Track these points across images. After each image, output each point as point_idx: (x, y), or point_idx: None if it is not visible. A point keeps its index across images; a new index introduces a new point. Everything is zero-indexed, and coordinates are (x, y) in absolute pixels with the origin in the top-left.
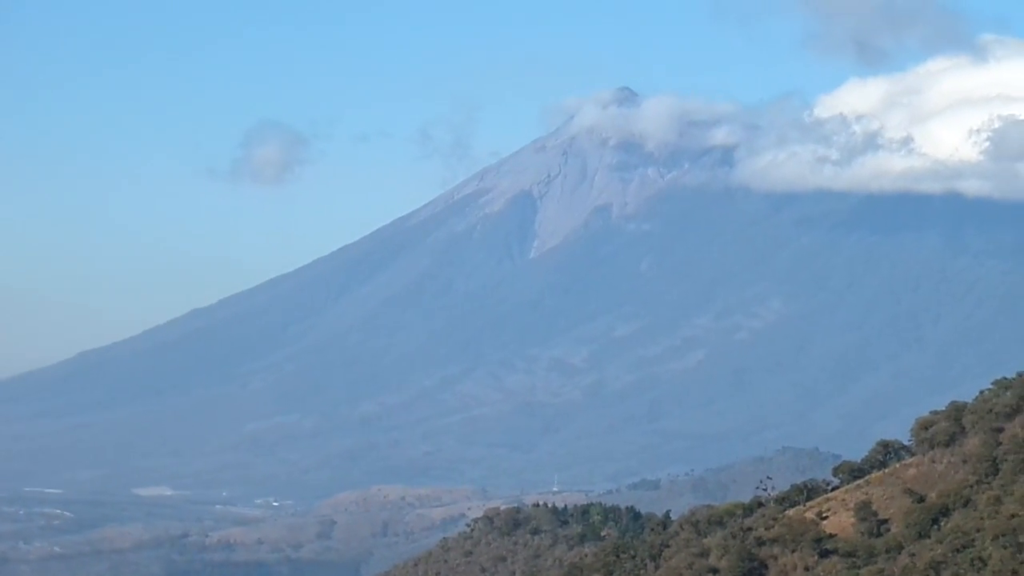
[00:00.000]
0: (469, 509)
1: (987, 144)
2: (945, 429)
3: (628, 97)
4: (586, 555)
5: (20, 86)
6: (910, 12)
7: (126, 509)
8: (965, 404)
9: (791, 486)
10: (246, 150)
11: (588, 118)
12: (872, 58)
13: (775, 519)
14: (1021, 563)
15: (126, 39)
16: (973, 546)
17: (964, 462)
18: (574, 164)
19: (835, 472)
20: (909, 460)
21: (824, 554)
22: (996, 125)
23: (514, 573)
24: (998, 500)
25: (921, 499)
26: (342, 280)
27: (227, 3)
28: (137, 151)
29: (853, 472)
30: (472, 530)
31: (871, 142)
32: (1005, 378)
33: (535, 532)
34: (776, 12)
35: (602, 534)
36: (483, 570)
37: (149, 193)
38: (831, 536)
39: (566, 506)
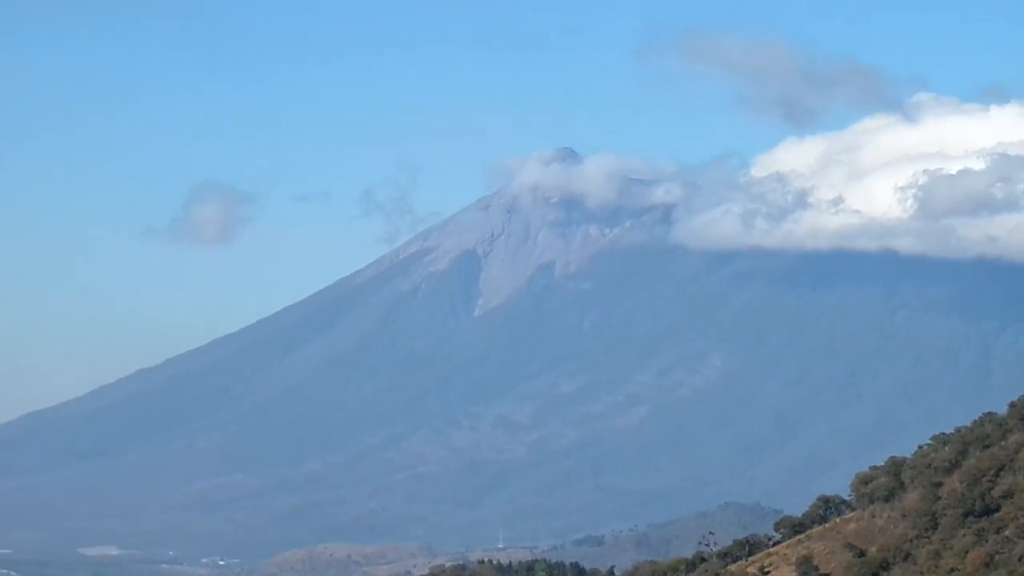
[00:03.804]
0: (415, 566)
1: (913, 202)
2: (884, 484)
3: (569, 156)
4: None
5: None
6: (832, 73)
7: (73, 569)
8: (904, 459)
9: (733, 541)
10: (186, 209)
11: (530, 177)
12: (801, 118)
13: (718, 574)
14: None
15: (62, 97)
16: None
17: (903, 516)
18: (517, 223)
19: (776, 527)
20: (849, 515)
21: None
22: (921, 182)
23: None
24: (937, 554)
25: (861, 553)
26: (287, 340)
27: (166, 61)
28: (76, 211)
29: (794, 527)
30: None
31: (801, 201)
32: (943, 433)
33: None
34: (701, 77)
35: None
36: None
37: (89, 253)
38: None
39: (511, 562)
